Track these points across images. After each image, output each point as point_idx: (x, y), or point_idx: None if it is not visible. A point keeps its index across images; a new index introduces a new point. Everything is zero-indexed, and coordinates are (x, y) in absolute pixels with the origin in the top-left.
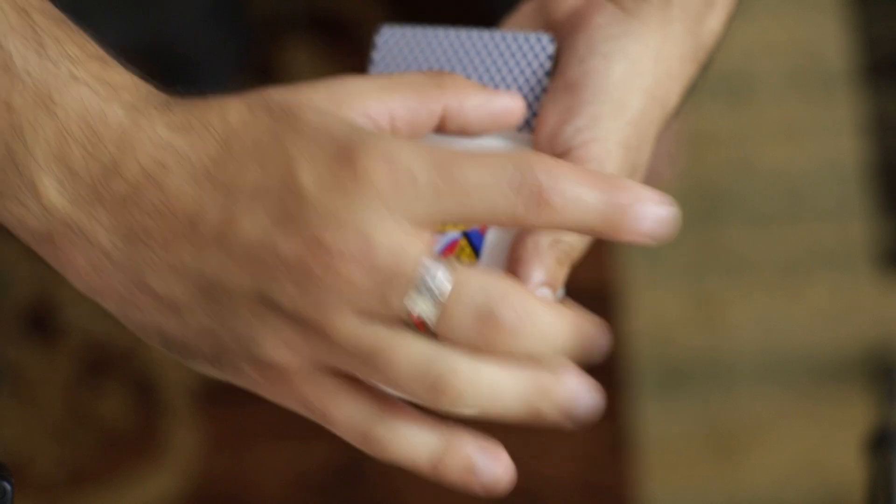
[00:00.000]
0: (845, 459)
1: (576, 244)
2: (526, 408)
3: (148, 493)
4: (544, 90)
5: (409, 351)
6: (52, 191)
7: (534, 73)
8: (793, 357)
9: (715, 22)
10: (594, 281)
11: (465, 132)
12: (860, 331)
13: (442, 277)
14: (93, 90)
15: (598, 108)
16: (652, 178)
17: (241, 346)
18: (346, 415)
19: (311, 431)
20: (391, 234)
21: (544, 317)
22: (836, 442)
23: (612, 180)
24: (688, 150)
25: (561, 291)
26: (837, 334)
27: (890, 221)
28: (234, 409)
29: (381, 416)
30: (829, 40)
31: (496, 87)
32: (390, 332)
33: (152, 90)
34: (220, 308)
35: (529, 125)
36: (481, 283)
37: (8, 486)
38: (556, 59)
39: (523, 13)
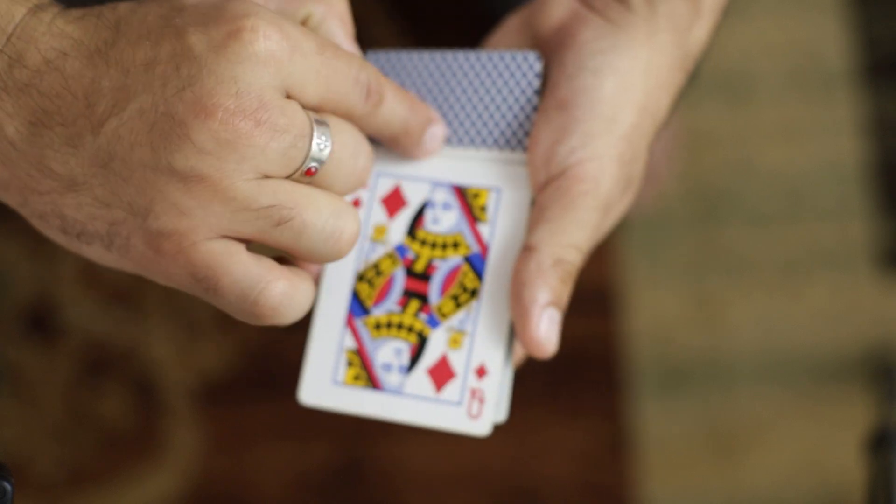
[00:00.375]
0: (845, 459)
1: (577, 262)
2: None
3: (148, 493)
4: (534, 108)
5: (318, 205)
6: None
7: (522, 91)
8: (793, 357)
9: (701, 31)
10: (594, 281)
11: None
12: (860, 331)
13: (326, 130)
14: None
15: (590, 127)
16: (651, 180)
17: (135, 215)
18: (234, 282)
19: (312, 431)
20: (278, 95)
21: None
22: (836, 442)
23: (413, 98)
24: (687, 151)
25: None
26: (837, 334)
27: (890, 221)
28: (234, 409)
29: (266, 275)
30: (828, 40)
31: (486, 107)
32: (290, 185)
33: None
34: (115, 179)
35: (522, 145)
36: (352, 134)
37: (8, 486)
38: (546, 76)
39: (508, 29)
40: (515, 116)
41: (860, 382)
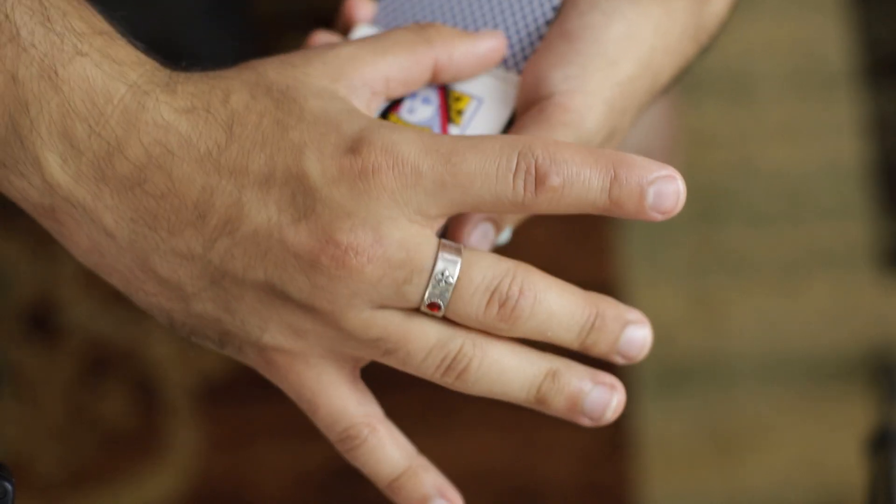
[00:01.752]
0: (845, 459)
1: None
2: (533, 392)
3: (148, 493)
4: (541, 37)
5: (424, 336)
6: (56, 166)
7: (535, 19)
8: (793, 357)
9: (719, 5)
10: (594, 280)
11: (456, 79)
12: (860, 330)
13: (452, 264)
14: (97, 66)
15: (590, 61)
16: None
17: (247, 333)
18: (331, 414)
19: (312, 431)
20: (401, 228)
21: (551, 296)
22: (837, 442)
23: (614, 157)
24: (687, 151)
25: (507, 234)
26: (838, 334)
27: (890, 221)
28: (234, 408)
29: (362, 425)
30: (829, 40)
31: (496, 25)
32: (404, 317)
33: (157, 66)
34: (226, 296)
35: (519, 67)
36: (489, 265)
37: (9, 486)
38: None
39: None
40: (520, 40)
41: (861, 382)
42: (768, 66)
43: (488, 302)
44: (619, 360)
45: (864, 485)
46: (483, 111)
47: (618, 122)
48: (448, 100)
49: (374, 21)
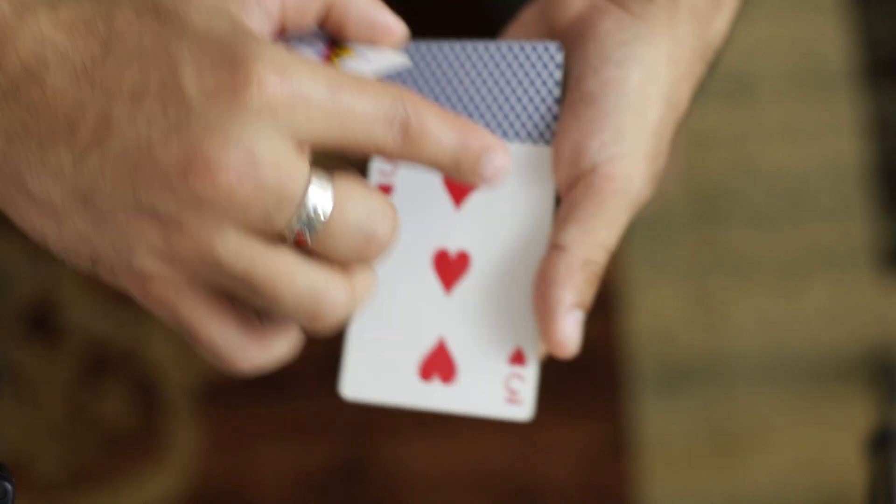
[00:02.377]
0: (845, 459)
1: (604, 263)
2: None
3: (148, 493)
4: (556, 100)
5: (292, 280)
6: None
7: (544, 83)
8: (793, 357)
9: (722, 22)
10: None
11: (341, 32)
12: (860, 330)
13: (325, 197)
14: None
15: (621, 121)
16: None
17: (117, 254)
18: (212, 339)
19: (312, 431)
20: (277, 152)
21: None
22: (837, 442)
23: (463, 123)
24: (688, 151)
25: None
26: (838, 334)
27: (890, 221)
28: (234, 408)
29: (243, 343)
30: (829, 41)
31: (506, 98)
32: (272, 252)
33: None
34: (96, 216)
35: (544, 137)
36: (362, 204)
37: (9, 486)
38: (568, 70)
39: (524, 21)
40: (537, 108)
41: (861, 382)
42: (769, 66)
43: (357, 241)
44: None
45: (864, 485)
46: (526, 194)
47: (656, 167)
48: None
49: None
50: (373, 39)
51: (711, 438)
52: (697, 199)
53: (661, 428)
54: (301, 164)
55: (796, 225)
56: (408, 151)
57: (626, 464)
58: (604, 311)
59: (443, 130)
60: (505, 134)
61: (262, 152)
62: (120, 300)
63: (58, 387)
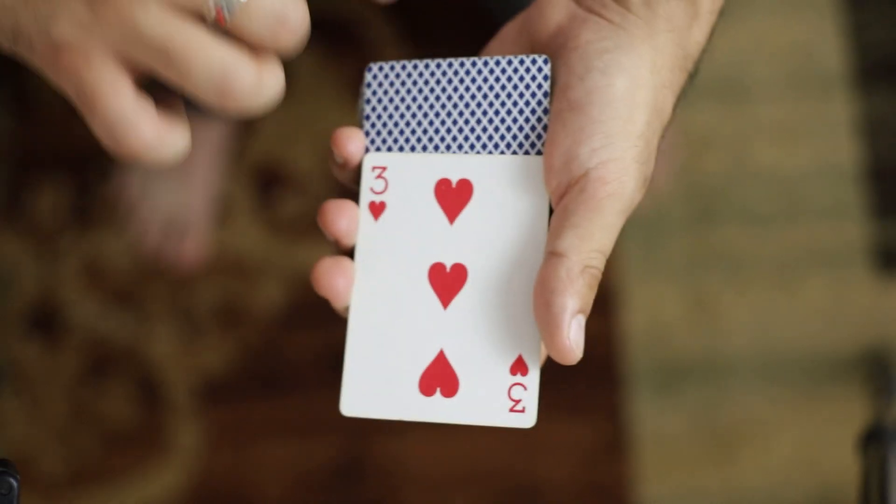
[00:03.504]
0: (842, 457)
1: (601, 267)
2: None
3: (150, 491)
4: (545, 111)
5: (207, 55)
6: None
7: (533, 95)
8: (789, 356)
9: (699, 33)
10: None
11: None
12: (856, 330)
13: None
14: None
15: (609, 127)
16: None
17: (38, 24)
18: (108, 108)
19: (313, 430)
20: None
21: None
22: (833, 440)
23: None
24: (684, 151)
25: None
26: (834, 333)
27: (885, 222)
28: (235, 407)
29: (138, 119)
30: (825, 43)
31: (497, 112)
32: (189, 28)
33: None
34: None
35: (535, 148)
36: None
37: (14, 482)
38: (553, 80)
39: (506, 37)
40: (527, 120)
41: (856, 381)
42: (764, 68)
43: (269, 19)
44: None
45: (858, 481)
46: (522, 205)
47: (646, 172)
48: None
49: (370, 143)
50: None
51: (709, 436)
52: (694, 199)
53: (659, 426)
54: None
55: (792, 225)
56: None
57: (624, 462)
58: (601, 310)
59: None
60: (497, 146)
61: None
62: (121, 299)
63: (60, 386)
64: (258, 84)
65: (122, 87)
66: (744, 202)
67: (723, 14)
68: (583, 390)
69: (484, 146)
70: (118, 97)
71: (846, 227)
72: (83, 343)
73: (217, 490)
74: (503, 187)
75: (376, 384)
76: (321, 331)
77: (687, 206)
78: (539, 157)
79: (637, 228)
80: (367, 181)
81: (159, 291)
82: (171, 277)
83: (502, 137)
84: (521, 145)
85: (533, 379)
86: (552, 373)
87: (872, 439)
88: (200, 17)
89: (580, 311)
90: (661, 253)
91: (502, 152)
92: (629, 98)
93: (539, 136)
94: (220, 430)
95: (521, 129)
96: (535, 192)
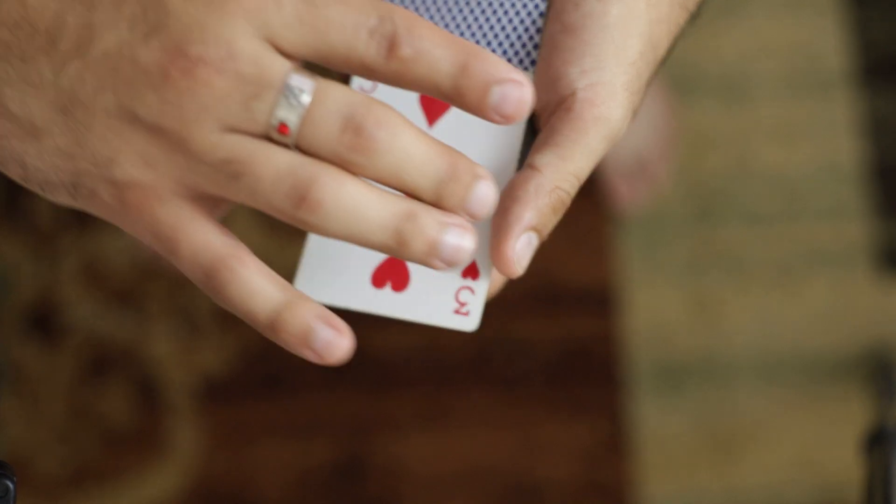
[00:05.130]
0: (843, 458)
1: (573, 193)
2: (391, 233)
3: (150, 492)
4: (538, 30)
5: (274, 160)
6: None
7: (528, 14)
8: (791, 356)
9: None
10: (592, 281)
11: None
12: (858, 330)
13: (305, 85)
14: None
15: (601, 50)
16: (648, 179)
17: (99, 166)
18: (194, 248)
19: (313, 429)
20: (255, 48)
21: (409, 135)
22: (835, 441)
23: (469, 46)
24: (685, 151)
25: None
26: (835, 334)
27: (887, 222)
28: (236, 407)
29: (229, 257)
30: (826, 41)
31: (491, 27)
32: (254, 142)
33: None
34: (77, 126)
35: (524, 64)
36: (345, 94)
37: (10, 485)
38: (548, 4)
39: None
40: (520, 37)
41: (858, 381)
42: (765, 66)
43: (342, 129)
44: (465, 216)
45: (861, 483)
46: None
47: (636, 102)
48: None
49: None
50: None
51: (709, 436)
52: (695, 199)
53: (660, 426)
54: (280, 59)
55: (793, 224)
56: (397, 70)
57: (624, 462)
58: (601, 310)
59: (439, 51)
60: None
61: (240, 48)
62: (121, 299)
63: (59, 386)
64: (340, 187)
65: (200, 220)
66: (745, 202)
67: (738, 3)
68: (583, 390)
69: None
70: (200, 231)
71: (848, 227)
72: (82, 343)
73: (217, 490)
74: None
75: (332, 271)
76: None
77: (688, 205)
78: (529, 73)
79: (638, 228)
80: (356, 81)
81: (159, 291)
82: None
83: (493, 50)
84: (510, 60)
85: (482, 285)
86: (554, 372)
87: (875, 442)
88: (262, 135)
89: (535, 229)
90: (662, 253)
91: None
92: (623, 26)
93: (529, 54)
94: (220, 430)
95: (512, 45)
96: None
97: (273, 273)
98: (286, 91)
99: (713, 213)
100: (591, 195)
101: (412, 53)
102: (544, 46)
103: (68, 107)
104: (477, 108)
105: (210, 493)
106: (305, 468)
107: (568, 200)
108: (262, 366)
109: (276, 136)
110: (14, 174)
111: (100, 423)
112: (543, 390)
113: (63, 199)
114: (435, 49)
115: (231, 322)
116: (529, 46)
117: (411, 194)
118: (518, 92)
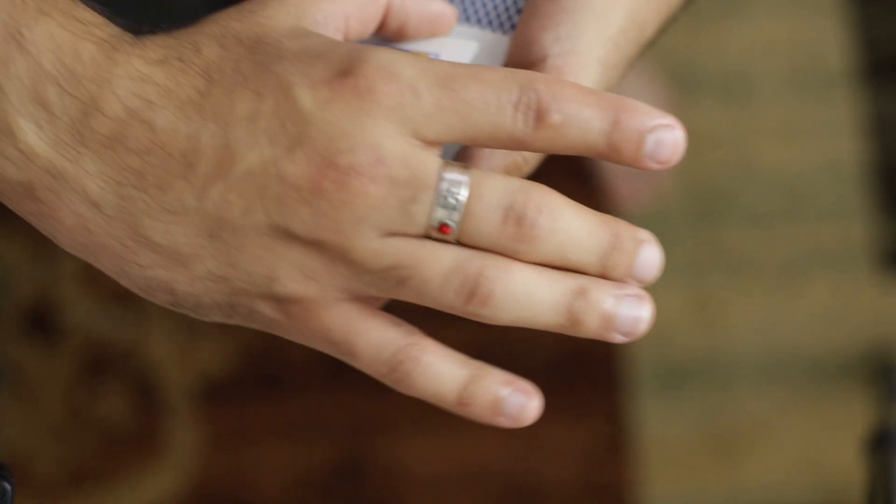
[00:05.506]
0: (845, 459)
1: (529, 159)
2: (564, 313)
3: (148, 493)
4: None
5: (439, 261)
6: (31, 134)
7: None
8: (792, 356)
9: None
10: None
11: (402, 32)
12: (859, 330)
13: (461, 181)
14: (62, 26)
15: (579, 19)
16: (649, 179)
17: (256, 286)
18: (371, 346)
19: (312, 431)
20: (402, 147)
21: (569, 214)
22: (836, 441)
23: (616, 100)
24: (686, 150)
25: None
26: (837, 334)
27: (889, 221)
28: (234, 408)
29: (408, 346)
30: (828, 40)
31: None
32: (416, 242)
33: (122, 28)
34: (227, 249)
35: (504, 28)
36: (500, 183)
37: (8, 486)
38: None
39: None
40: (503, 0)
41: (860, 382)
42: (767, 65)
43: (503, 220)
44: (633, 284)
45: (863, 484)
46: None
47: (610, 78)
48: None
49: None
50: (434, 31)
51: (711, 438)
52: (696, 199)
53: (661, 427)
54: (429, 155)
55: (795, 224)
56: (549, 138)
57: (625, 463)
58: None
59: (587, 111)
60: (467, 18)
61: (387, 150)
62: (120, 300)
63: (57, 386)
64: (506, 280)
65: (371, 319)
66: (746, 202)
67: (739, 2)
68: (585, 391)
69: (455, 13)
70: (374, 329)
71: (851, 226)
72: (81, 344)
73: (216, 491)
74: (466, 56)
75: None
76: None
77: (689, 205)
78: (506, 37)
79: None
80: None
81: None
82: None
83: (476, 10)
84: (490, 22)
85: None
86: (555, 373)
87: (877, 443)
88: (422, 235)
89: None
90: (663, 253)
91: (472, 24)
92: None
93: (510, 18)
94: (219, 430)
95: (495, 7)
96: (490, 63)
97: (451, 351)
98: (442, 191)
99: (714, 213)
100: (592, 195)
101: (561, 119)
102: (525, 10)
103: (216, 230)
104: (634, 160)
105: (209, 494)
106: (305, 469)
107: (525, 166)
108: (262, 366)
109: (437, 235)
110: (162, 301)
111: (99, 423)
112: (544, 391)
113: (217, 319)
114: (583, 110)
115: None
116: (512, 10)
117: (577, 270)
118: (672, 135)
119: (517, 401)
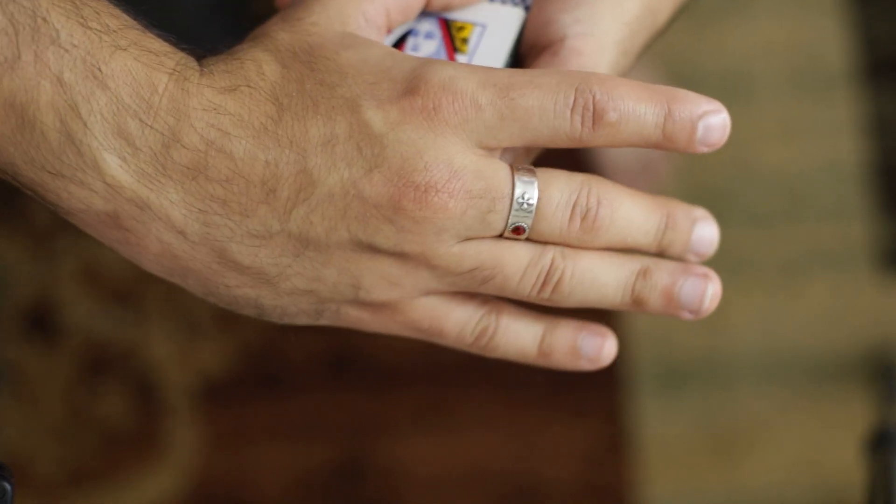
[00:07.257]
0: (845, 459)
1: None
2: (628, 293)
3: (148, 493)
4: None
5: (517, 258)
6: (116, 167)
7: None
8: (792, 357)
9: None
10: None
11: (450, 7)
12: (860, 330)
13: (531, 186)
14: (136, 59)
15: (598, 3)
16: (649, 178)
17: (342, 294)
18: (457, 325)
19: (312, 431)
20: (474, 160)
21: (626, 202)
22: (836, 441)
23: (666, 92)
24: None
25: None
26: (837, 334)
27: (889, 221)
28: (234, 408)
29: (487, 317)
30: (828, 40)
31: None
32: (493, 244)
33: (186, 54)
34: (312, 265)
35: (525, 2)
36: (564, 181)
37: (8, 486)
38: None
39: None
40: None
41: (860, 382)
42: (767, 65)
43: (570, 217)
44: (692, 259)
45: (863, 484)
46: (488, 37)
47: (624, 63)
48: (451, 30)
49: None
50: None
51: (711, 438)
52: (696, 199)
53: (661, 427)
54: (500, 165)
55: (795, 225)
56: (606, 135)
57: (626, 463)
58: (602, 311)
59: (642, 106)
60: None
61: (460, 165)
62: (119, 300)
63: (57, 386)
64: (575, 268)
65: (449, 302)
66: (746, 202)
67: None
68: (585, 392)
69: None
70: (456, 309)
71: (851, 227)
72: (81, 344)
73: (216, 491)
74: (483, 24)
75: None
76: (321, 331)
77: None
78: (523, 12)
79: None
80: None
81: (157, 292)
82: None
83: None
84: (504, 1)
85: None
86: (555, 373)
87: (877, 443)
88: (497, 237)
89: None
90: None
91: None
92: None
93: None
94: (219, 430)
95: None
96: (506, 29)
97: (523, 309)
98: (517, 198)
99: (715, 213)
100: None
101: (618, 117)
102: None
103: (301, 250)
104: (686, 146)
105: (209, 494)
106: (305, 469)
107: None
108: (262, 366)
109: (511, 236)
110: (249, 313)
111: (99, 423)
112: (544, 391)
113: (303, 322)
114: (638, 105)
115: (230, 323)
116: None
117: (638, 252)
118: (720, 118)
119: (593, 343)
